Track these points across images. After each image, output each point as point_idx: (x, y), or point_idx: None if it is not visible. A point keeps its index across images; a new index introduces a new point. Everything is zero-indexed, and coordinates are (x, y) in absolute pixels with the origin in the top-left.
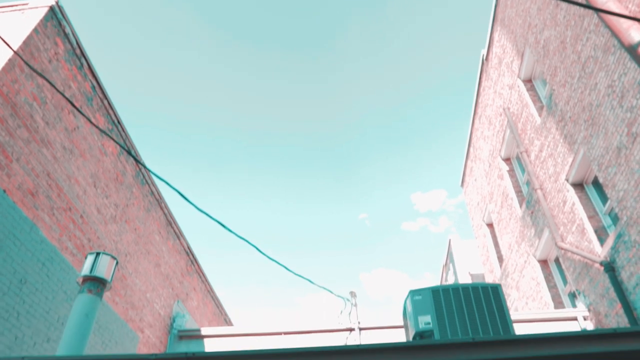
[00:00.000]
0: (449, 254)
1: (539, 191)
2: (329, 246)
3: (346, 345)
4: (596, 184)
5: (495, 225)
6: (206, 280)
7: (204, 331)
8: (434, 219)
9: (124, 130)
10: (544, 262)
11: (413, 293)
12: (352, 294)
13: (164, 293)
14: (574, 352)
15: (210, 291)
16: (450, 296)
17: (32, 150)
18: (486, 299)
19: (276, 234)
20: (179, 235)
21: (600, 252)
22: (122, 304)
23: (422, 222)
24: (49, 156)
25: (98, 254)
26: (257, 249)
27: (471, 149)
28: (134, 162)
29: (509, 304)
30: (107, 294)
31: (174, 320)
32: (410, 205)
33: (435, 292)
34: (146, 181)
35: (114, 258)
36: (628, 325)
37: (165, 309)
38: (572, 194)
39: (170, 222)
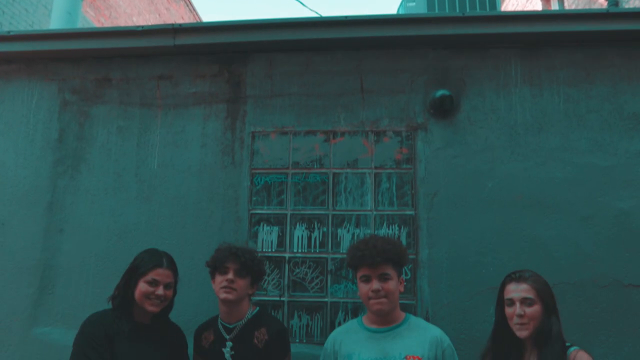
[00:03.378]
0: None
1: None
2: None
3: (332, 16)
4: None
5: None
6: (194, 9)
7: None
8: None
9: None
10: None
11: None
12: None
13: (151, 19)
14: (563, 29)
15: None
16: None
17: None
18: None
19: None
20: None
21: None
22: (108, 26)
23: None
24: None
25: None
26: None
27: None
28: None
29: None
30: (90, 14)
31: None
32: None
33: None
34: None
35: None
36: None
37: None
38: None
39: None
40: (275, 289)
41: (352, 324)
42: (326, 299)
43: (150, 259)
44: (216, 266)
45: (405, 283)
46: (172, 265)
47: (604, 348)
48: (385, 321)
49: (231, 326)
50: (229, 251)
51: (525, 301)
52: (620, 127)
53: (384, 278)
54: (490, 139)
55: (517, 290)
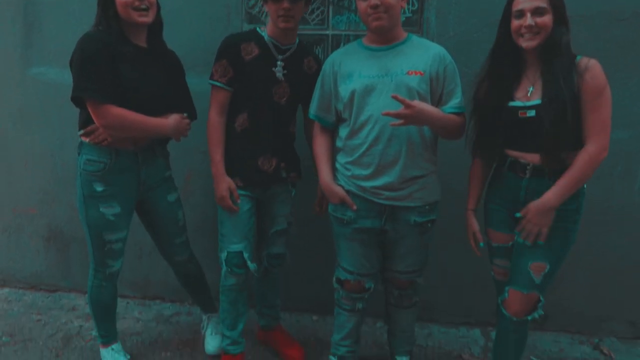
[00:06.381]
0: None
1: None
2: None
3: None
4: None
5: None
6: None
7: None
8: None
9: None
10: None
11: None
12: None
13: None
14: None
15: None
16: None
17: None
18: None
19: None
20: None
21: None
22: None
23: None
24: None
25: None
26: None
27: None
28: None
29: None
30: None
31: None
32: None
33: None
34: None
35: None
36: None
37: None
38: None
39: None
40: None
41: (352, 45)
42: (327, 32)
43: None
44: None
45: (411, 14)
46: None
47: (610, 81)
48: (386, 39)
49: (284, 47)
50: None
51: (537, 11)
52: None
53: None
54: None
55: (528, 0)
